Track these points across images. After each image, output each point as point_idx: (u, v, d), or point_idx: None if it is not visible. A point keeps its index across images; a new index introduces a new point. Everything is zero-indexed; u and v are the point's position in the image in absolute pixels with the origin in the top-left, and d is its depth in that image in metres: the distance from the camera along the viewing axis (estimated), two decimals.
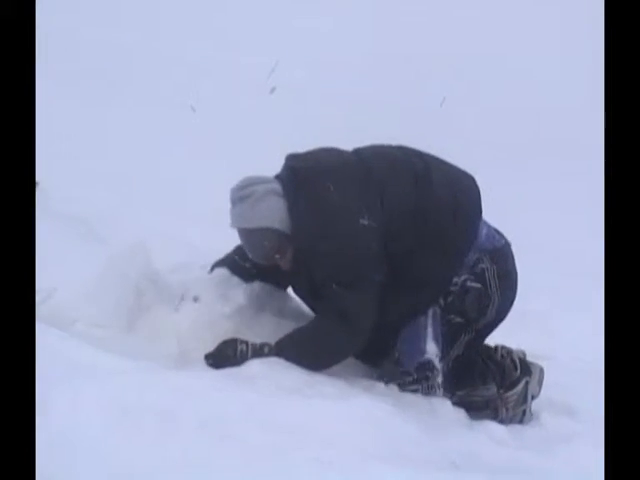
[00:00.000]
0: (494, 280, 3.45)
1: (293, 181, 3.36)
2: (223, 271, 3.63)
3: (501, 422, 3.52)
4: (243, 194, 3.33)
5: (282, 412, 2.95)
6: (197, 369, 3.33)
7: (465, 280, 3.42)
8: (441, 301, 3.43)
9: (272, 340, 3.38)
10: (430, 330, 3.43)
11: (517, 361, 3.63)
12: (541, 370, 3.65)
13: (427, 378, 3.45)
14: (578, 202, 6.82)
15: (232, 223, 3.37)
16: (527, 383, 3.60)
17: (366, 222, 3.25)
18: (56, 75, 7.05)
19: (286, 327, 3.49)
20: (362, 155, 3.47)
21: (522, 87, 8.54)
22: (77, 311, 3.46)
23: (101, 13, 8.54)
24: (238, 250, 3.62)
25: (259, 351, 3.32)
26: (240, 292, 3.58)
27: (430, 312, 3.43)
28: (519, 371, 3.61)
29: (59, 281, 3.52)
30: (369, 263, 3.27)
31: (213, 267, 3.70)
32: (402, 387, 3.45)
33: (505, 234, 3.61)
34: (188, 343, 3.47)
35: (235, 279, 3.61)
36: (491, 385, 3.59)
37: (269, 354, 3.30)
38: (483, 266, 3.44)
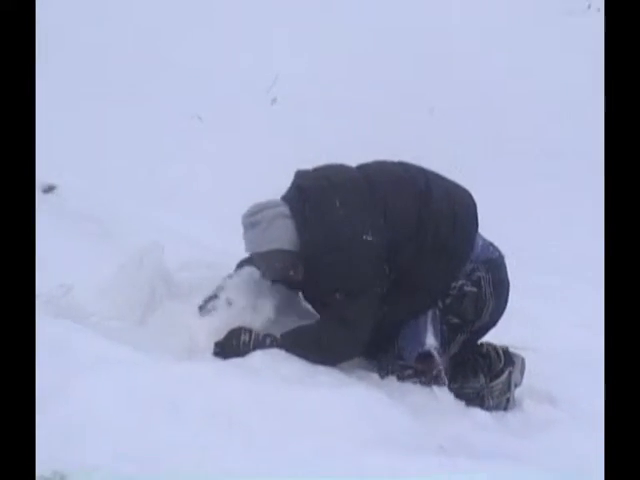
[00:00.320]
0: (489, 287, 3.63)
1: (300, 200, 3.50)
2: (253, 271, 3.72)
3: (487, 409, 3.65)
4: (254, 220, 3.49)
5: (282, 400, 3.09)
6: (205, 360, 3.47)
7: (462, 285, 3.59)
8: (440, 303, 3.60)
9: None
10: (430, 327, 3.59)
11: (501, 353, 3.77)
12: (523, 360, 3.79)
13: (428, 369, 3.61)
14: (578, 202, 6.80)
15: (246, 248, 3.54)
16: (510, 373, 3.75)
17: (369, 238, 3.42)
18: (59, 78, 7.08)
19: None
20: (366, 172, 3.61)
21: (521, 88, 8.39)
22: (93, 305, 3.60)
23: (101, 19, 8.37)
24: None
25: (261, 342, 3.48)
26: (268, 302, 3.70)
27: (430, 312, 3.60)
28: (503, 362, 3.75)
29: (77, 278, 3.66)
30: (370, 276, 3.44)
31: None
32: (401, 379, 3.61)
33: (502, 237, 3.80)
34: (198, 336, 3.58)
35: (263, 283, 3.72)
36: (480, 377, 3.74)
37: (271, 345, 3.47)
38: (479, 274, 3.61)
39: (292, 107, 7.22)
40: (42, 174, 4.78)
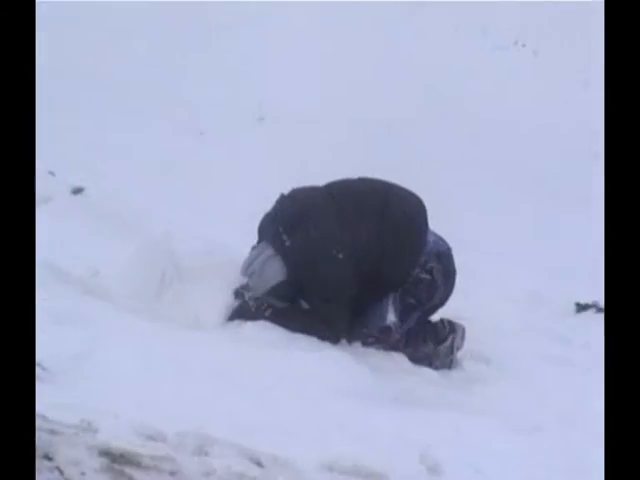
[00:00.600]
0: (440, 275, 4.16)
1: (278, 234, 4.06)
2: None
3: (435, 368, 4.14)
4: (251, 271, 4.08)
5: (269, 359, 3.58)
6: (208, 330, 3.87)
7: (418, 273, 4.12)
8: (399, 288, 4.14)
9: None
10: (391, 307, 4.12)
11: (446, 323, 4.25)
12: (463, 329, 4.27)
13: (387, 338, 4.12)
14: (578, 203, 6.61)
15: (254, 292, 4.11)
16: (453, 339, 4.23)
17: (340, 255, 3.99)
18: (65, 83, 7.35)
19: None
20: (333, 193, 4.15)
21: (520, 89, 8.10)
22: (116, 286, 3.98)
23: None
24: None
25: (262, 311, 4.06)
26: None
27: (391, 295, 4.13)
28: (447, 330, 4.23)
29: (103, 263, 4.07)
30: (342, 284, 4.03)
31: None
32: (365, 345, 4.13)
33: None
34: (202, 311, 3.97)
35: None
36: (429, 343, 4.21)
37: (267, 318, 4.05)
38: (432, 264, 4.14)
39: (279, 125, 7.35)
40: (72, 178, 5.19)
